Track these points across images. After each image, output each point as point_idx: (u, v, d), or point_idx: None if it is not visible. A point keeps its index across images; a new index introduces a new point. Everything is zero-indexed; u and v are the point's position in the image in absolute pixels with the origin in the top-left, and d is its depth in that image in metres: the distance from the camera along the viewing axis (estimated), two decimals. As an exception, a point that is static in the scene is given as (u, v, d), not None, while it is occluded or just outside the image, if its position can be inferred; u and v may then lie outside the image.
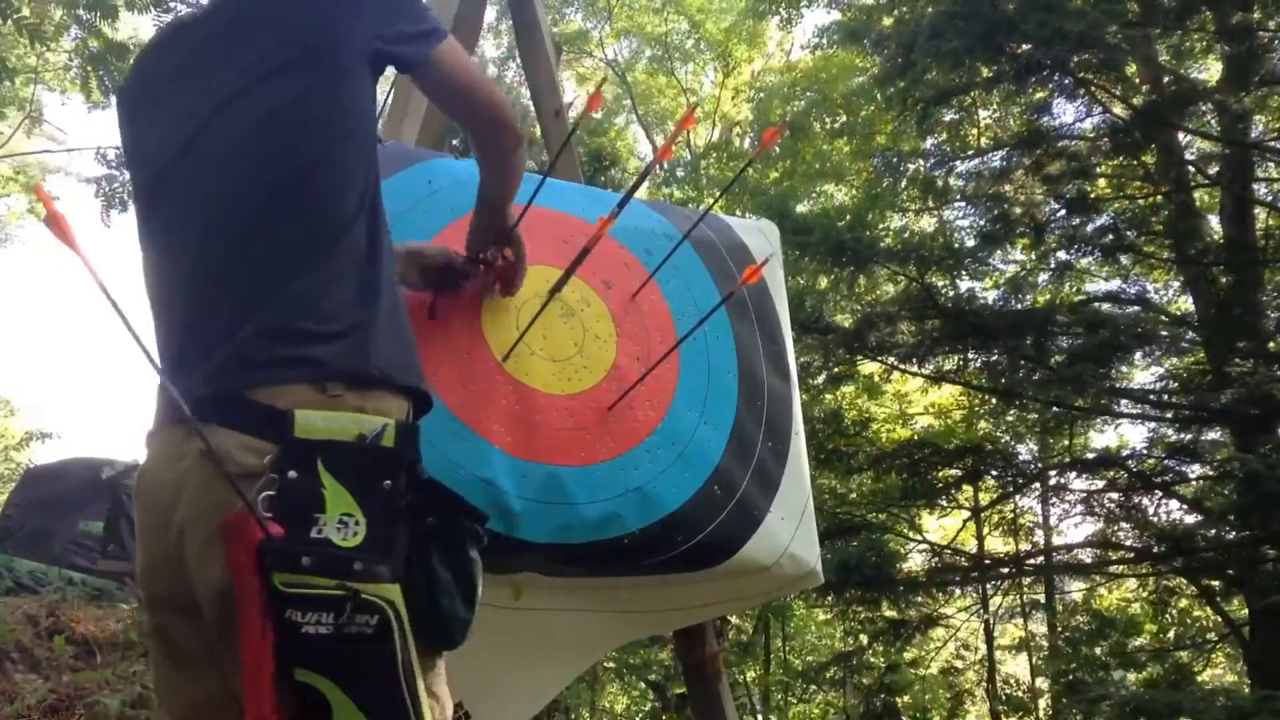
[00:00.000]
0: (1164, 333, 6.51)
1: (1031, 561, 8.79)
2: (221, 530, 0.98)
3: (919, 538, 8.82)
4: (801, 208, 10.46)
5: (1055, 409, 6.99)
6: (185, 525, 1.05)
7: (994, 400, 8.10)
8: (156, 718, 1.12)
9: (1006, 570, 8.58)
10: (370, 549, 1.00)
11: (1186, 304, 7.67)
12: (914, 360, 7.37)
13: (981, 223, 7.18)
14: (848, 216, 8.30)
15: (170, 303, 1.19)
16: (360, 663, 0.99)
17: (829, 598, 7.37)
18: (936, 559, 8.25)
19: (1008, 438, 8.74)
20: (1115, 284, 7.66)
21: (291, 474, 0.99)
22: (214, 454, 0.97)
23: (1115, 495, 7.14)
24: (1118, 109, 6.58)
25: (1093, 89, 6.45)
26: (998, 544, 10.51)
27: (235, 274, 1.11)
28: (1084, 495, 7.49)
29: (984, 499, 8.94)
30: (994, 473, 7.65)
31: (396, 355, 1.14)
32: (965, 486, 8.15)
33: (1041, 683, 10.48)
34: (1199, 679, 7.55)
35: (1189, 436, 6.69)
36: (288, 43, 1.15)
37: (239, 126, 1.15)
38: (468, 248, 1.59)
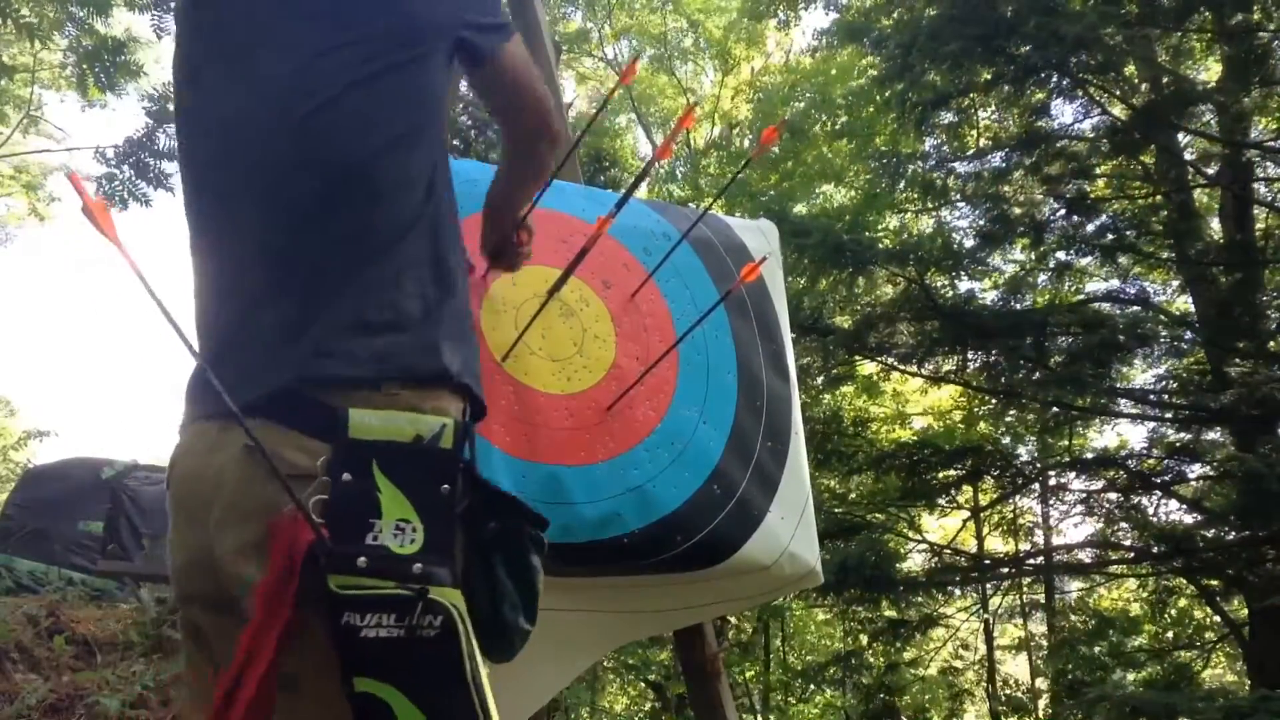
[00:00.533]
0: (1164, 333, 6.52)
1: (1031, 561, 8.80)
2: (269, 531, 0.93)
3: (919, 538, 8.83)
4: (800, 209, 10.48)
5: (1055, 409, 6.99)
6: (221, 522, 0.99)
7: (993, 401, 8.10)
8: (185, 713, 1.07)
9: (1006, 570, 8.58)
10: (428, 554, 0.95)
11: (1186, 304, 7.68)
12: (913, 361, 7.38)
13: (981, 223, 7.18)
14: (846, 218, 8.31)
15: (219, 287, 1.10)
16: (426, 667, 0.93)
17: (829, 598, 7.38)
18: (936, 559, 8.26)
19: (1007, 438, 8.74)
20: (1115, 284, 7.67)
21: (345, 477, 0.93)
22: (265, 451, 0.90)
23: (1115, 495, 7.14)
24: (1117, 109, 6.59)
25: (1091, 90, 6.45)
26: (997, 544, 10.52)
27: (294, 260, 1.03)
28: (1084, 495, 7.50)
29: (983, 499, 8.95)
30: (994, 473, 7.65)
31: (460, 353, 1.09)
32: (965, 487, 8.15)
33: (1041, 683, 10.48)
34: (1199, 679, 7.55)
35: (1189, 436, 6.70)
36: (369, 18, 1.08)
37: (310, 100, 1.04)
38: (484, 248, 1.57)
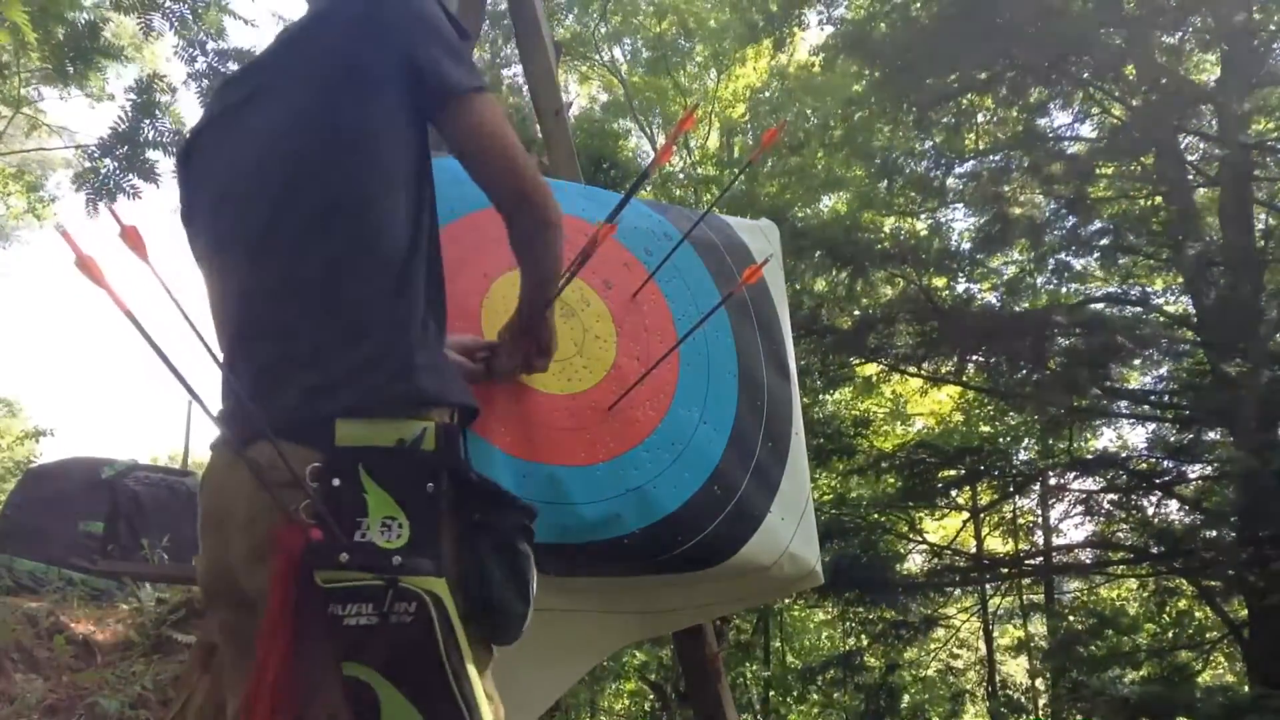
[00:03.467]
0: (1163, 334, 6.51)
1: (1031, 562, 8.79)
2: (272, 541, 1.01)
3: (918, 539, 8.82)
4: (800, 213, 10.47)
5: (1055, 409, 6.98)
6: (236, 531, 1.09)
7: (991, 405, 8.11)
8: (225, 702, 1.18)
9: (1006, 571, 8.58)
10: (413, 547, 1.02)
11: (1186, 305, 7.67)
12: (913, 362, 7.38)
13: (980, 224, 7.18)
14: (846, 223, 8.30)
15: (226, 318, 1.22)
16: (403, 653, 1.00)
17: (828, 598, 7.38)
18: (936, 559, 8.26)
19: (1007, 439, 8.74)
20: (1115, 285, 7.66)
21: (335, 481, 1.02)
22: (257, 464, 1.01)
23: (1115, 495, 7.14)
24: (1116, 110, 6.59)
25: (1091, 91, 6.45)
26: (997, 545, 10.52)
27: (279, 295, 1.14)
28: (1083, 496, 7.49)
29: (983, 500, 8.94)
30: (993, 474, 7.65)
31: (438, 378, 1.15)
32: (964, 487, 8.15)
33: (1040, 683, 10.48)
34: (1199, 679, 7.54)
35: (1189, 437, 6.69)
36: (323, 63, 1.17)
37: (282, 147, 1.16)
38: (501, 342, 1.51)
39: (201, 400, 1.03)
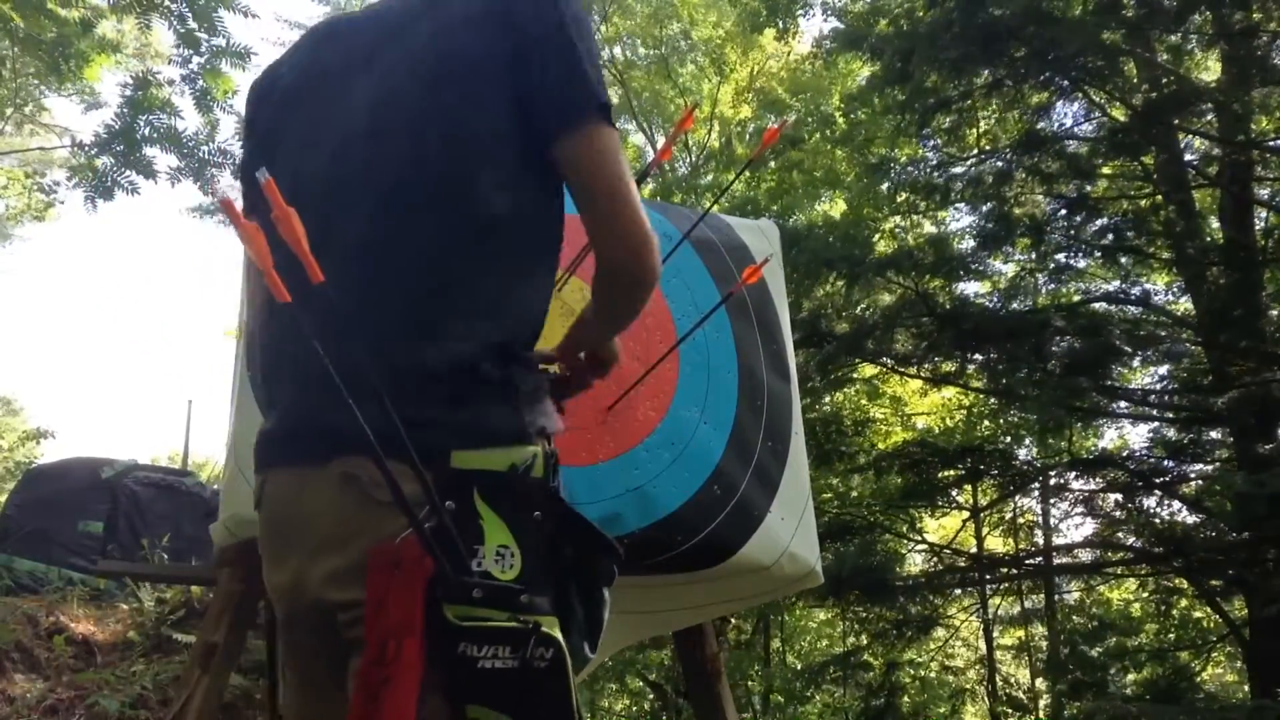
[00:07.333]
0: (1163, 335, 6.51)
1: (1031, 562, 8.79)
2: (370, 559, 0.95)
3: (918, 538, 8.82)
4: (800, 216, 10.46)
5: (1055, 409, 6.97)
6: (315, 551, 1.03)
7: (994, 401, 8.10)
8: None
9: (1006, 570, 8.58)
10: (528, 582, 0.98)
11: (1186, 304, 7.66)
12: (913, 363, 7.37)
13: (980, 225, 7.17)
14: (846, 225, 8.27)
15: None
16: (538, 697, 0.97)
17: (829, 598, 7.37)
18: (936, 559, 8.25)
19: (1008, 439, 8.73)
20: (1115, 285, 7.65)
21: (449, 504, 0.96)
22: (356, 478, 0.96)
23: (1115, 495, 7.13)
24: (1117, 110, 6.58)
25: (1091, 92, 6.45)
26: (997, 545, 10.51)
27: (379, 306, 1.05)
28: (1084, 495, 7.48)
29: (983, 499, 8.94)
30: (994, 473, 7.64)
31: (530, 406, 1.09)
32: (965, 487, 8.14)
33: (1041, 683, 10.47)
34: (1200, 679, 7.54)
35: (1189, 437, 6.68)
36: (432, 60, 1.10)
37: (388, 143, 1.08)
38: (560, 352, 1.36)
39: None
